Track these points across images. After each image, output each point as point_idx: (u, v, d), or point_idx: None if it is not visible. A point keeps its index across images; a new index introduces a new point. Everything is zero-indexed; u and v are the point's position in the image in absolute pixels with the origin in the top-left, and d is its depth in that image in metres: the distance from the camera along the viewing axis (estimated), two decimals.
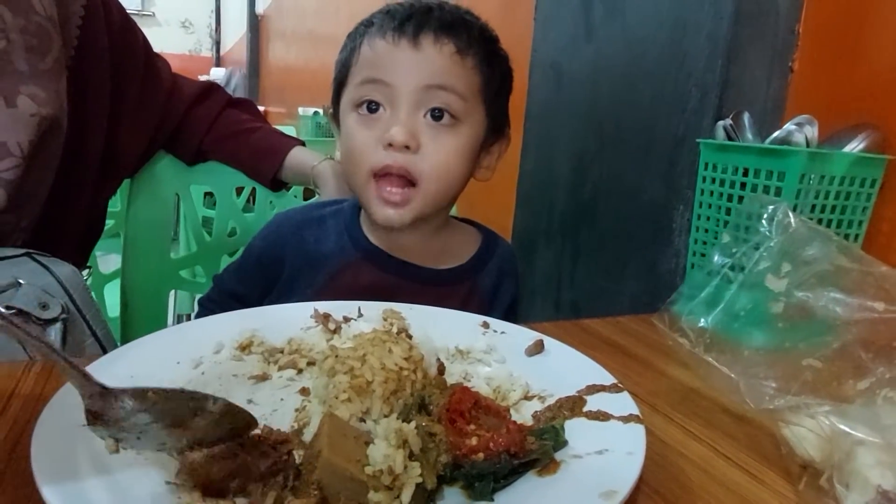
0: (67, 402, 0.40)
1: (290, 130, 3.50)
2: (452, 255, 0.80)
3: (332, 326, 0.54)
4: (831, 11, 0.88)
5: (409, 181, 0.69)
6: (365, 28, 0.72)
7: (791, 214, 0.46)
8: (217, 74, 5.88)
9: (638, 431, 0.42)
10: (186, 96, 1.08)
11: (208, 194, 1.55)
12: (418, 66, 0.68)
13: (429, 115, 0.69)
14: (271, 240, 0.80)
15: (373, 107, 0.69)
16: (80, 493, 0.31)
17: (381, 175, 0.69)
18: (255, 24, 6.13)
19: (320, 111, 3.29)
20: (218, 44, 7.75)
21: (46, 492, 0.31)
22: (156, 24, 7.26)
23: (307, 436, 0.41)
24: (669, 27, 0.97)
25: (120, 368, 0.45)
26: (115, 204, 1.51)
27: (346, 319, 0.55)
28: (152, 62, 1.04)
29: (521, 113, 1.35)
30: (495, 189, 1.13)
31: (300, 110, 3.46)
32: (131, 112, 0.98)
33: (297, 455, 0.39)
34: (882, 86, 0.81)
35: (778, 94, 0.90)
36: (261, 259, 0.79)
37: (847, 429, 0.36)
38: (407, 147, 0.67)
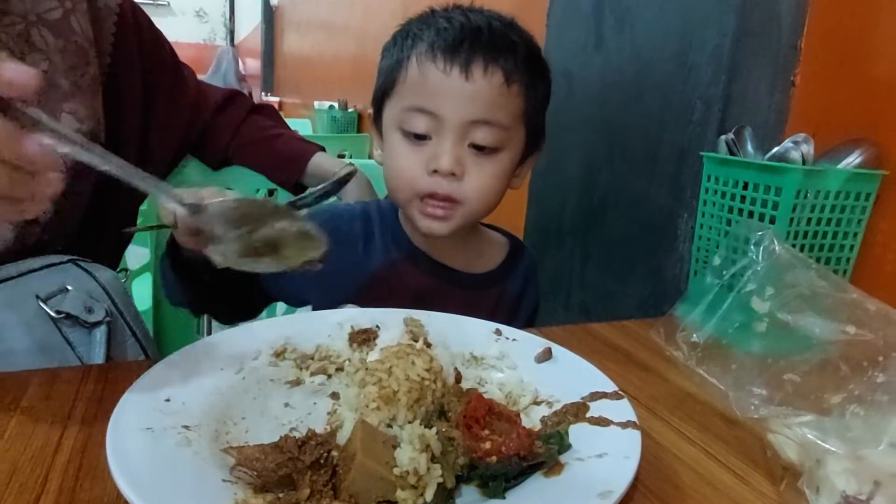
0: (131, 408, 0.45)
1: (305, 123, 3.56)
2: (484, 260, 0.85)
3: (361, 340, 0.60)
4: (833, 26, 0.91)
5: (453, 202, 0.73)
6: (413, 42, 0.73)
7: (776, 241, 0.50)
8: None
9: (634, 437, 0.47)
10: (211, 104, 1.12)
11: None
12: (467, 100, 0.70)
13: (472, 147, 0.72)
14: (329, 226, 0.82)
15: (419, 136, 0.72)
16: (153, 488, 0.37)
17: (430, 196, 0.73)
18: (270, 14, 6.16)
19: (335, 105, 3.33)
20: (232, 33, 7.78)
21: (125, 488, 0.36)
22: (170, 14, 7.30)
23: (340, 438, 0.47)
24: (676, 41, 1.00)
25: (173, 375, 0.51)
26: (143, 203, 1.57)
27: (373, 336, 0.60)
28: (179, 71, 1.09)
29: None
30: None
31: (315, 104, 3.50)
32: (161, 122, 1.02)
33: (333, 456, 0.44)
34: (880, 101, 0.85)
35: (780, 107, 0.94)
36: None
37: (817, 439, 0.41)
38: (452, 174, 0.71)
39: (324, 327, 0.64)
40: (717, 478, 0.50)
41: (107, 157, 0.46)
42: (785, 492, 0.46)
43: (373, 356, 0.53)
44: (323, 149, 1.11)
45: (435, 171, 0.71)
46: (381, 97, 0.78)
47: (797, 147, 0.76)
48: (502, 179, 0.75)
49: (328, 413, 0.52)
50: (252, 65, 6.86)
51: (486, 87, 0.70)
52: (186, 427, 0.45)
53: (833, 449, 0.39)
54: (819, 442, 0.40)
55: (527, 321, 0.87)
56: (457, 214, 0.74)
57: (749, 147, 0.85)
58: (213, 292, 0.74)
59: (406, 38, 0.74)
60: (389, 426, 0.46)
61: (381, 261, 0.80)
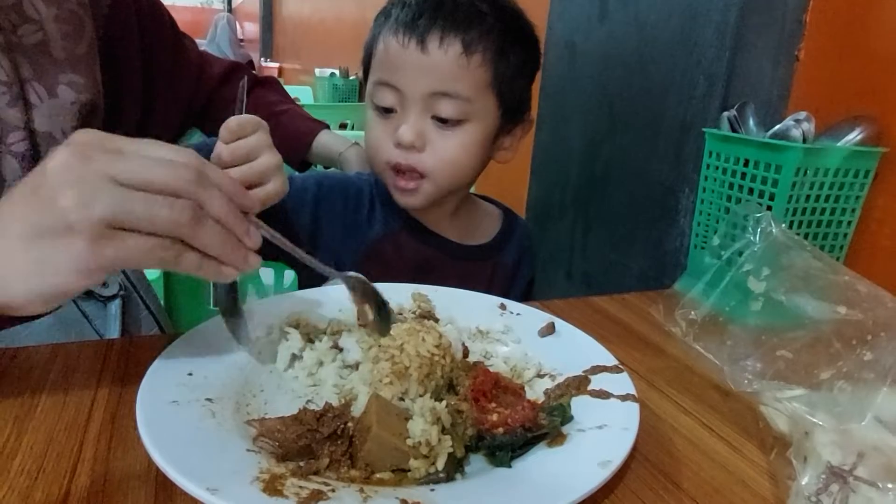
0: (157, 382, 0.48)
1: (306, 91, 3.54)
2: (478, 232, 0.87)
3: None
4: (839, 0, 0.91)
5: (419, 174, 0.75)
6: (384, 19, 0.75)
7: (773, 223, 0.52)
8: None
9: (633, 409, 0.49)
10: (214, 76, 1.12)
11: None
12: (424, 73, 0.71)
13: (436, 119, 0.73)
14: (342, 190, 0.83)
15: (387, 109, 0.74)
16: (184, 459, 0.39)
17: (395, 168, 0.75)
18: None
19: (337, 72, 3.30)
20: None
21: (159, 459, 0.39)
22: None
23: (354, 410, 0.49)
24: (680, 15, 1.00)
25: (193, 351, 0.53)
26: None
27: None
28: (180, 40, 1.08)
29: (538, 87, 1.39)
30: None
31: (317, 71, 3.47)
32: (162, 92, 1.02)
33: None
34: (883, 78, 0.85)
35: (783, 83, 0.95)
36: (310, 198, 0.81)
37: (806, 412, 0.43)
38: (413, 146, 0.73)
39: (335, 303, 0.66)
40: (711, 447, 0.52)
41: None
42: (774, 461, 0.48)
43: None
44: (328, 126, 1.11)
45: (399, 144, 0.73)
46: (364, 73, 0.80)
47: (798, 125, 0.78)
48: (470, 151, 0.75)
49: (335, 385, 0.54)
50: (250, 29, 6.77)
51: (442, 59, 0.71)
52: (209, 400, 0.48)
53: (820, 422, 0.42)
54: (808, 415, 0.43)
55: (522, 293, 0.89)
56: (424, 188, 0.76)
57: (751, 123, 0.86)
58: None
59: (381, 16, 0.76)
60: (402, 400, 0.49)
61: (381, 230, 0.82)
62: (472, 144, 0.75)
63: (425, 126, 0.73)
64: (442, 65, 0.71)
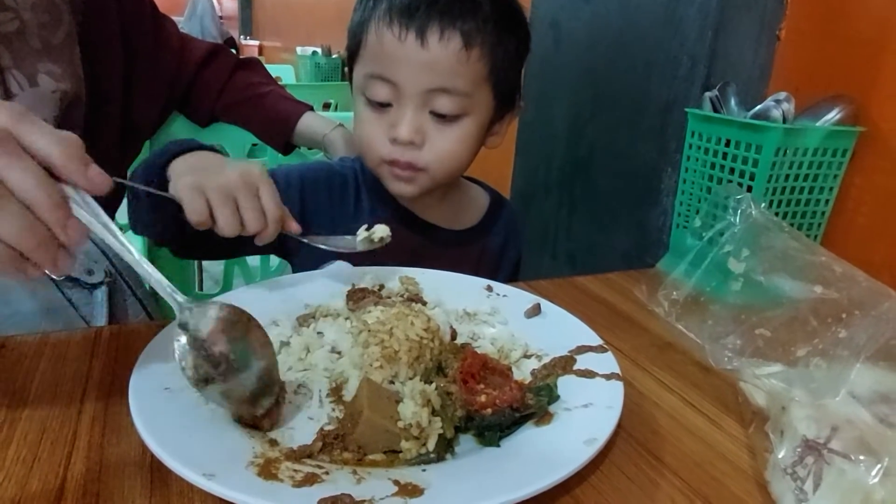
0: (148, 369, 0.48)
1: (287, 70, 3.49)
2: (465, 216, 0.87)
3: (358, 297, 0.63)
4: None
5: (417, 168, 0.74)
6: (374, 3, 0.71)
7: (753, 205, 0.53)
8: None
9: (617, 388, 0.51)
10: (195, 59, 1.10)
11: None
12: (423, 68, 0.69)
13: (433, 114, 0.72)
14: (326, 181, 0.82)
15: (381, 103, 0.72)
16: (179, 445, 0.40)
17: (392, 163, 0.74)
18: None
19: (319, 51, 3.26)
20: None
21: (154, 446, 0.39)
22: None
23: (345, 394, 0.50)
24: None
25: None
26: (131, 165, 1.56)
27: (368, 293, 0.63)
28: (160, 23, 1.06)
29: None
30: None
31: (298, 50, 3.42)
32: (144, 77, 1.00)
33: (339, 410, 0.48)
34: (861, 58, 0.87)
35: (764, 62, 0.95)
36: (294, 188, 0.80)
37: (783, 388, 0.45)
38: (412, 142, 0.71)
39: (324, 287, 0.67)
40: (693, 423, 0.54)
41: (127, 247, 0.46)
42: (753, 435, 0.50)
43: (372, 316, 0.55)
44: (311, 107, 1.10)
45: (396, 140, 0.72)
46: (350, 58, 0.77)
47: (778, 105, 0.79)
48: (467, 144, 0.75)
49: (325, 369, 0.55)
50: (229, 6, 6.62)
51: (442, 55, 0.68)
52: None
53: (797, 397, 0.44)
54: (785, 391, 0.44)
55: (509, 275, 0.90)
56: (421, 179, 0.75)
57: (732, 104, 0.87)
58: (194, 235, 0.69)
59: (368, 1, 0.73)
60: (392, 383, 0.50)
61: (369, 219, 0.81)
62: (469, 137, 0.74)
63: (423, 121, 0.72)
64: (442, 60, 0.68)
